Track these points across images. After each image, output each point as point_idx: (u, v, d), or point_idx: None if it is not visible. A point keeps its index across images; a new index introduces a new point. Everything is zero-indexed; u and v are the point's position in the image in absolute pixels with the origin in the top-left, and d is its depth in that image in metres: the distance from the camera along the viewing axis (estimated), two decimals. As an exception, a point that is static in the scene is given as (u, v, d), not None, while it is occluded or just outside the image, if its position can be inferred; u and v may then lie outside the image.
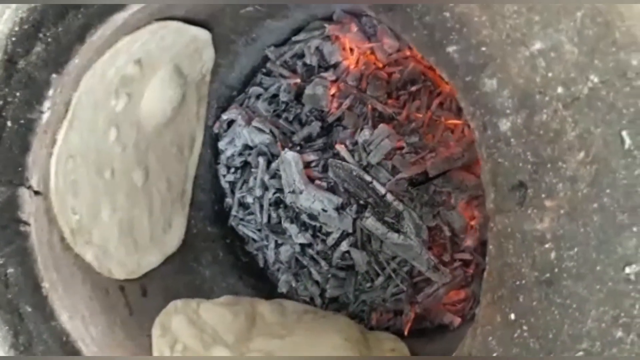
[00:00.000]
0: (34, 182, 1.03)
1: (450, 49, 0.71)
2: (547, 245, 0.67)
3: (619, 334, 0.66)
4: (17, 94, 0.96)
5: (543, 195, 0.68)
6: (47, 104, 0.99)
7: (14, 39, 0.93)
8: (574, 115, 0.66)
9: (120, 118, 1.20)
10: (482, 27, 0.68)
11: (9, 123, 0.97)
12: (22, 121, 0.98)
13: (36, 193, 1.04)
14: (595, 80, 0.65)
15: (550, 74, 0.67)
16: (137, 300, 1.28)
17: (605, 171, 0.65)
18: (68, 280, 1.09)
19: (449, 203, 1.34)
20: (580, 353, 0.67)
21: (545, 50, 0.67)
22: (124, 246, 1.27)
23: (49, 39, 0.95)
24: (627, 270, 0.65)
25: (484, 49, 0.69)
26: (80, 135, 1.11)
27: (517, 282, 0.70)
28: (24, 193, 1.02)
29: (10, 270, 1.00)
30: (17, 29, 0.93)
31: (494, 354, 0.71)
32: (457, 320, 1.37)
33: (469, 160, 1.32)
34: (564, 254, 0.67)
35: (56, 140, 1.05)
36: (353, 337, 1.32)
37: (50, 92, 0.99)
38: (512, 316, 0.70)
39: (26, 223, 1.02)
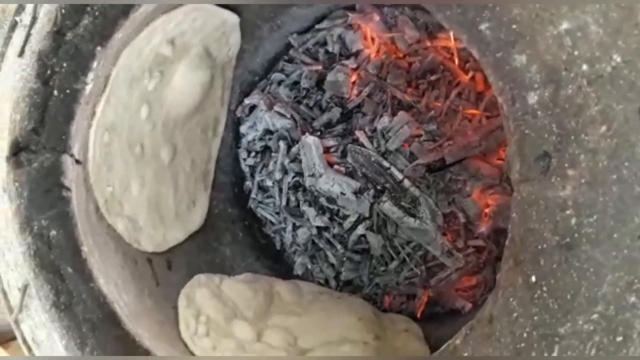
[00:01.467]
0: (75, 150, 1.07)
1: (483, 26, 0.75)
2: (568, 212, 0.71)
3: (632, 299, 0.67)
4: (64, 64, 1.00)
5: (566, 165, 0.71)
6: (91, 76, 1.03)
7: (63, 11, 0.97)
8: (597, 92, 0.69)
9: (152, 96, 1.24)
10: (513, 6, 0.73)
11: (55, 92, 1.01)
12: (67, 91, 1.02)
13: (77, 162, 1.08)
14: (618, 59, 0.68)
15: (576, 52, 0.70)
16: (163, 273, 1.32)
17: (625, 145, 0.68)
18: (102, 247, 1.13)
19: (465, 190, 1.36)
20: (595, 315, 0.70)
21: (572, 30, 0.70)
22: (152, 220, 1.31)
23: (97, 12, 0.98)
24: (642, 239, 0.67)
25: (514, 26, 0.73)
26: (116, 110, 1.15)
27: (539, 247, 0.73)
28: (66, 160, 1.06)
29: (52, 232, 1.04)
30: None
31: (514, 315, 0.75)
32: (469, 306, 1.39)
33: (486, 149, 1.34)
34: (584, 221, 0.70)
35: (95, 112, 1.09)
36: (367, 317, 1.34)
37: (94, 65, 1.02)
38: (533, 278, 0.73)
39: (68, 189, 1.06)
